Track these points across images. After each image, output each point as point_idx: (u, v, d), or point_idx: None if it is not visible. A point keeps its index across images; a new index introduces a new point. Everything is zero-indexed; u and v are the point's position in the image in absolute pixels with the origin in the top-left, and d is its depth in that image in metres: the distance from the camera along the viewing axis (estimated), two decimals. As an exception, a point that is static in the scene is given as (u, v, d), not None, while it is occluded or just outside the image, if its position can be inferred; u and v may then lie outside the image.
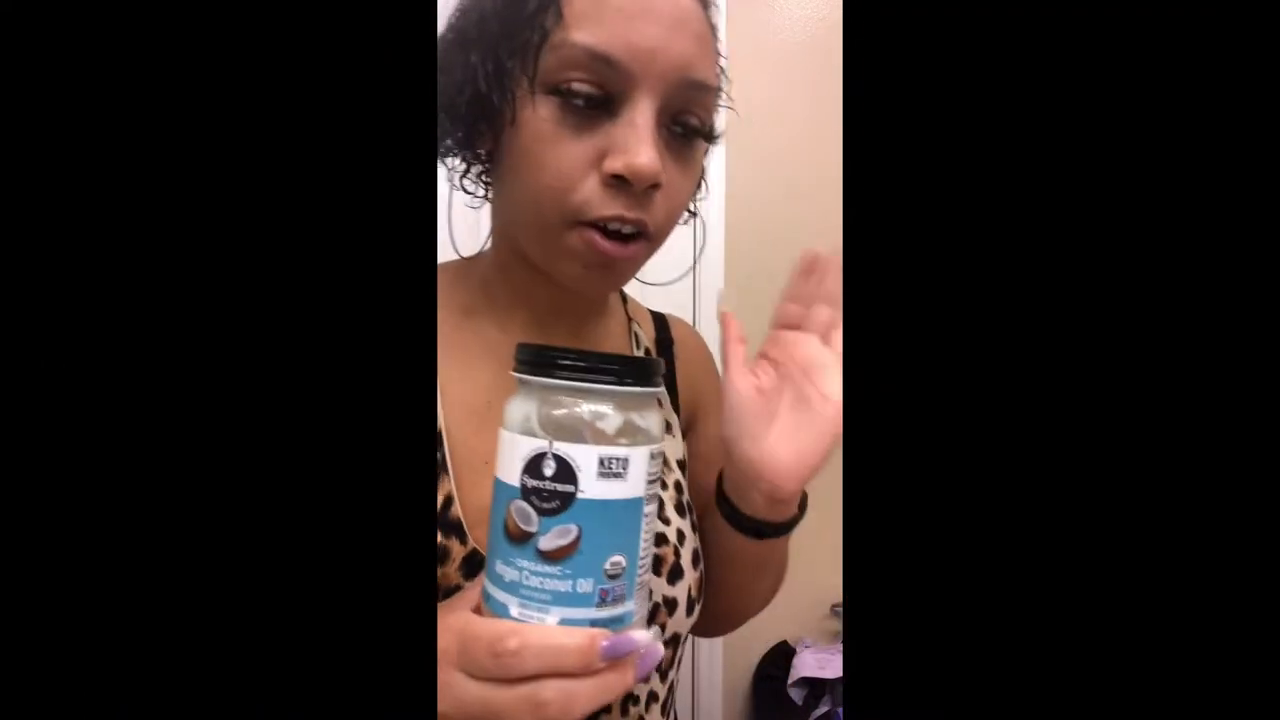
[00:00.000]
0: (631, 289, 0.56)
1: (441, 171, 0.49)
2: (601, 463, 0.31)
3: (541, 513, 0.31)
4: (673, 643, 0.51)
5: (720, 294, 0.56)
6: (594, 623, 0.32)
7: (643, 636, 0.32)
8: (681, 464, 0.56)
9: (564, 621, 0.32)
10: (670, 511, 0.52)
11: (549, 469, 0.31)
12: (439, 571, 0.43)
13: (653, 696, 0.51)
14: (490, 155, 0.47)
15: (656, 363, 0.34)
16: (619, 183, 0.40)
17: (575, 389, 0.32)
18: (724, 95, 0.50)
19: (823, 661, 1.39)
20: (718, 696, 1.44)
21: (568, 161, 0.40)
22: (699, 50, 0.42)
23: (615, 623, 0.33)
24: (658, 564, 0.49)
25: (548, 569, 0.31)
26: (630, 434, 0.32)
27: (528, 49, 0.40)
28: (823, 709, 1.36)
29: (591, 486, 0.31)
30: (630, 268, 0.44)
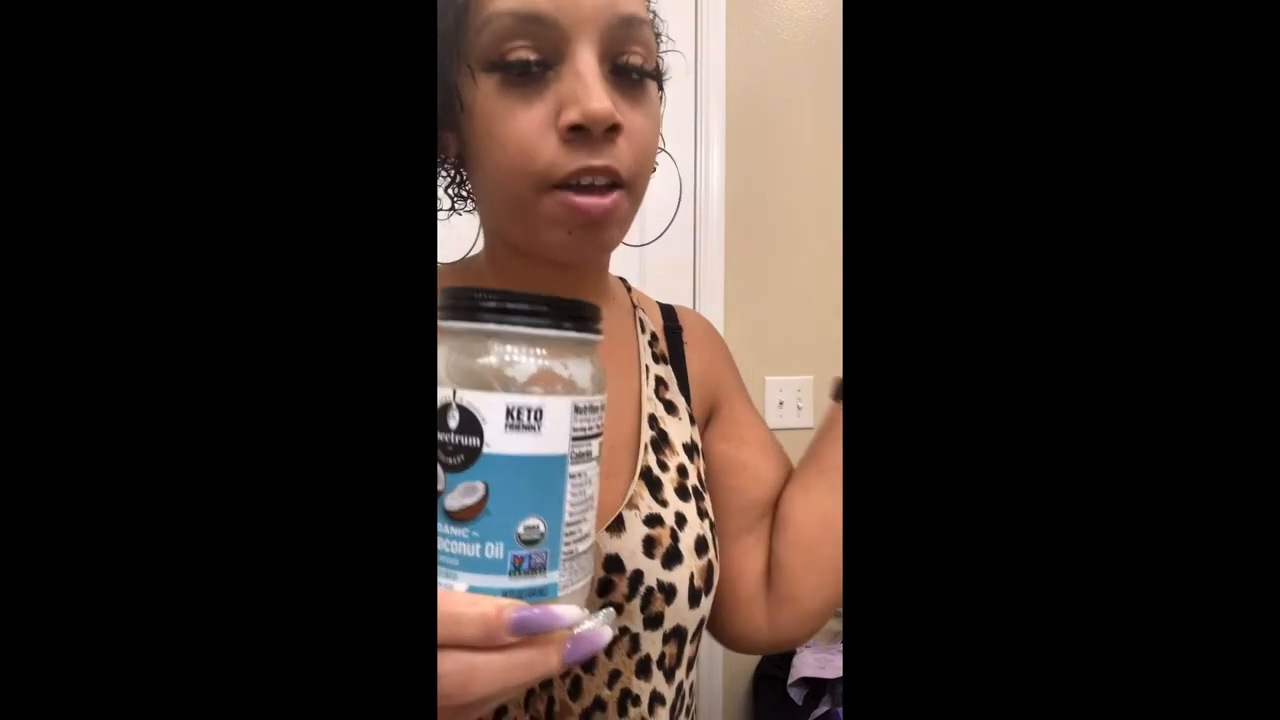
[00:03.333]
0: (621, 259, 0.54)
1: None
2: (510, 413, 0.28)
3: (447, 469, 0.28)
4: (677, 637, 0.48)
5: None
6: (506, 593, 0.29)
7: (568, 613, 0.28)
8: (688, 449, 0.54)
9: (473, 590, 0.28)
10: (669, 493, 0.50)
11: (453, 420, 0.28)
12: None
13: (657, 698, 0.48)
14: (460, 157, 0.47)
15: (590, 306, 0.31)
16: (579, 134, 0.39)
17: (486, 332, 0.29)
18: (663, 36, 0.49)
19: (823, 661, 1.37)
20: (718, 696, 1.42)
21: (525, 129, 0.40)
22: None
23: (534, 594, 0.29)
24: (650, 546, 0.47)
25: (455, 530, 0.28)
26: (547, 382, 0.29)
27: (457, 31, 0.41)
28: (823, 709, 1.33)
29: (499, 440, 0.28)
30: (615, 223, 0.43)
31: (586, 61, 0.40)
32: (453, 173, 0.49)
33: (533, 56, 0.40)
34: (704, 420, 0.59)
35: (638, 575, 0.46)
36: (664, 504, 0.49)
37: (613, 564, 0.46)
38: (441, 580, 0.29)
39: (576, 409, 0.30)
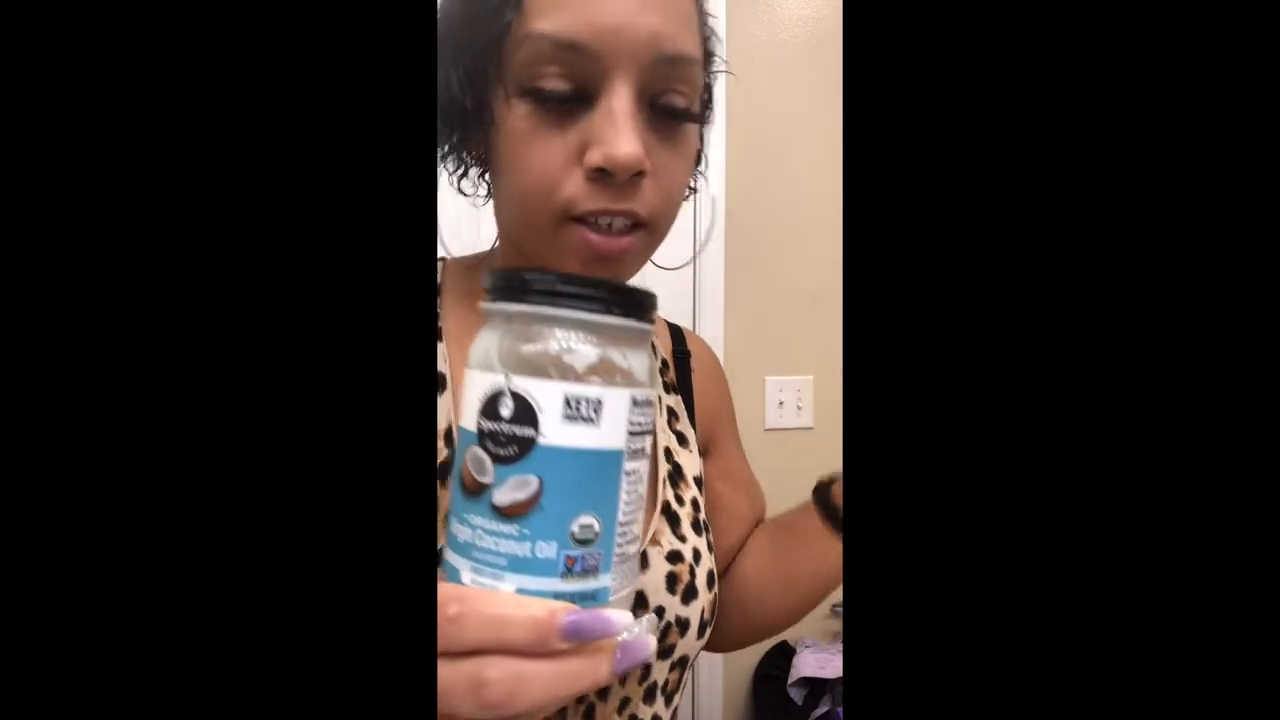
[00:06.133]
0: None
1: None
2: (568, 403, 0.26)
3: (497, 460, 0.26)
4: (681, 665, 0.49)
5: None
6: (558, 596, 0.27)
7: (621, 619, 0.26)
8: (698, 481, 0.54)
9: (521, 591, 0.26)
10: (686, 528, 0.50)
11: (506, 409, 0.26)
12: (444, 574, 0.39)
13: None
14: (484, 157, 0.45)
15: (648, 293, 0.29)
16: (602, 175, 0.38)
17: (542, 316, 0.27)
18: (719, 60, 0.47)
19: (823, 661, 1.37)
20: (718, 696, 1.42)
21: (549, 160, 0.38)
22: (672, 21, 0.38)
23: (585, 599, 0.27)
24: (672, 582, 0.46)
25: (503, 528, 0.26)
26: (607, 372, 0.27)
27: (493, 48, 0.39)
28: (823, 709, 1.33)
29: (555, 431, 0.26)
30: (632, 259, 0.42)
31: (621, 99, 0.37)
32: (472, 164, 0.48)
33: (566, 87, 0.37)
34: (701, 452, 0.59)
35: (659, 611, 0.46)
36: (683, 539, 0.49)
37: (637, 600, 0.45)
38: (485, 581, 0.27)
39: (635, 402, 0.28)
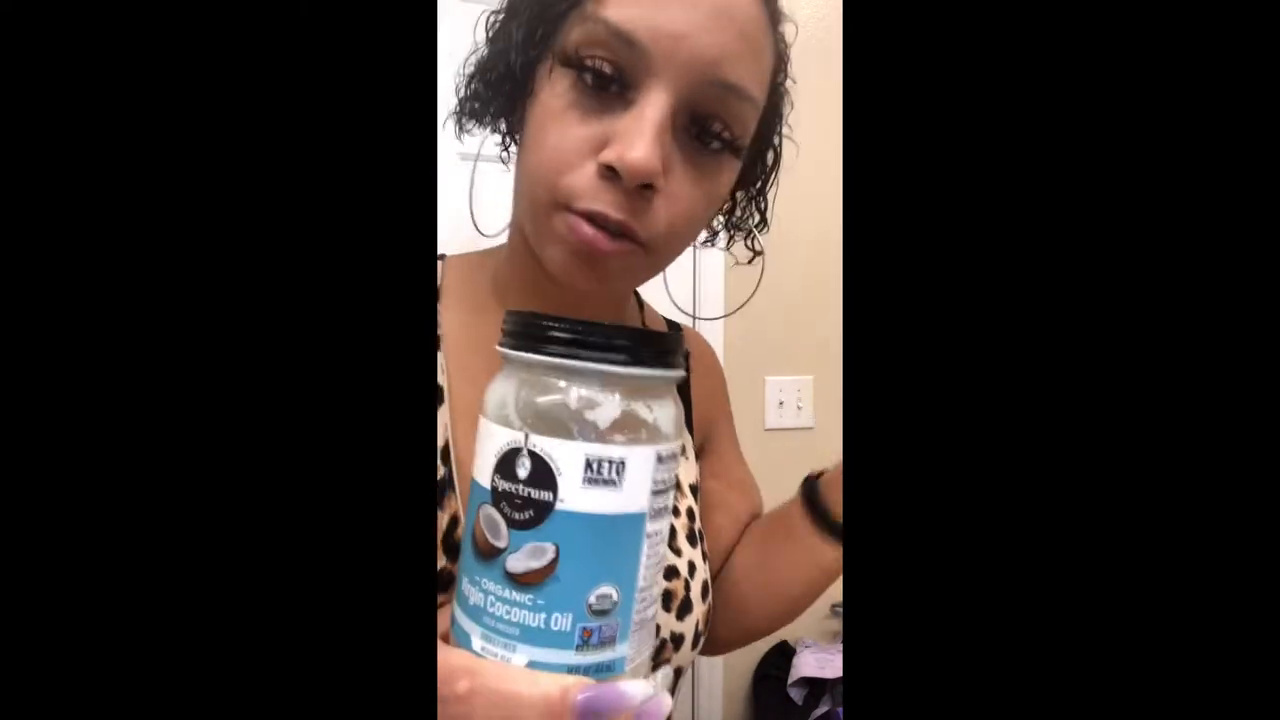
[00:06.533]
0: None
1: (465, 157, 0.49)
2: (589, 465, 0.24)
3: (512, 525, 0.24)
4: (675, 674, 0.47)
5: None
6: (572, 669, 0.25)
7: (637, 690, 0.24)
8: (693, 489, 0.52)
9: (533, 665, 0.25)
10: (682, 540, 0.48)
11: (523, 469, 0.24)
12: (444, 597, 0.38)
13: None
14: (515, 128, 0.45)
15: (675, 337, 0.27)
16: (612, 176, 0.36)
17: (562, 368, 0.25)
18: (785, 122, 0.45)
19: (823, 661, 1.36)
20: (718, 696, 1.42)
21: (568, 144, 0.37)
22: (739, 49, 0.37)
23: (601, 670, 0.26)
24: (667, 599, 0.44)
25: (517, 596, 0.25)
26: (631, 429, 0.25)
27: (560, 18, 0.38)
28: (823, 709, 1.33)
29: (575, 496, 0.24)
30: (618, 268, 0.39)
31: (656, 106, 0.36)
32: (510, 139, 0.47)
33: (608, 71, 0.36)
34: (697, 451, 0.57)
35: (654, 630, 0.44)
36: (678, 553, 0.47)
37: None
38: (495, 650, 0.25)
39: (659, 459, 0.26)
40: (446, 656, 0.25)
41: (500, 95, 0.43)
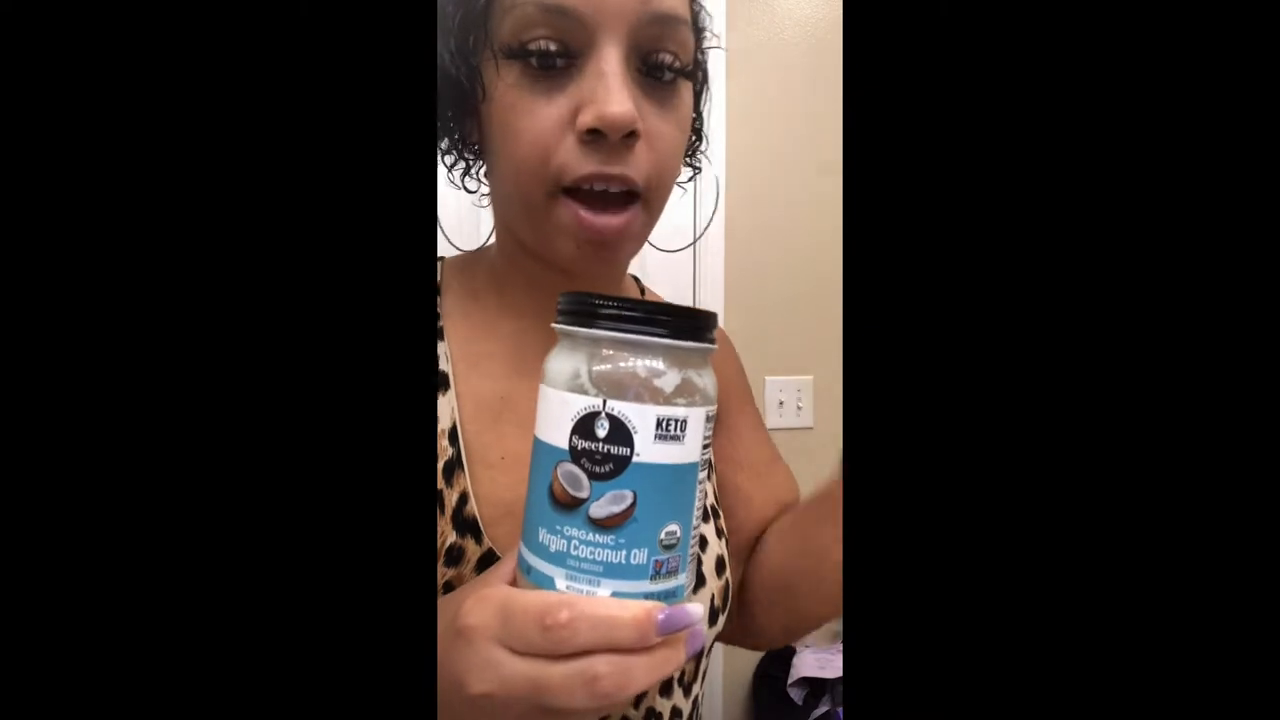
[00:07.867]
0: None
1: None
2: (660, 424, 0.29)
3: (594, 477, 0.29)
4: (694, 654, 0.48)
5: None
6: (648, 596, 0.30)
7: (697, 610, 0.29)
8: (709, 463, 0.52)
9: (616, 594, 0.29)
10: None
11: (602, 430, 0.29)
12: (454, 572, 0.41)
13: (676, 713, 0.48)
14: (478, 136, 0.45)
15: (711, 315, 0.32)
16: (595, 138, 0.37)
17: (628, 342, 0.30)
18: (708, 33, 0.47)
19: (823, 661, 1.38)
20: (718, 696, 1.43)
21: (541, 125, 0.38)
22: None
23: (669, 596, 0.30)
24: None
25: (599, 538, 0.29)
26: (688, 393, 0.30)
27: (482, 16, 0.39)
28: (823, 709, 1.34)
29: (648, 449, 0.29)
30: (627, 242, 0.41)
31: (610, 59, 0.37)
32: (473, 160, 0.48)
33: (554, 48, 0.37)
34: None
35: (698, 562, 0.45)
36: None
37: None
38: (580, 587, 0.30)
39: (708, 418, 0.31)
40: (539, 596, 0.29)
41: (454, 107, 0.43)
